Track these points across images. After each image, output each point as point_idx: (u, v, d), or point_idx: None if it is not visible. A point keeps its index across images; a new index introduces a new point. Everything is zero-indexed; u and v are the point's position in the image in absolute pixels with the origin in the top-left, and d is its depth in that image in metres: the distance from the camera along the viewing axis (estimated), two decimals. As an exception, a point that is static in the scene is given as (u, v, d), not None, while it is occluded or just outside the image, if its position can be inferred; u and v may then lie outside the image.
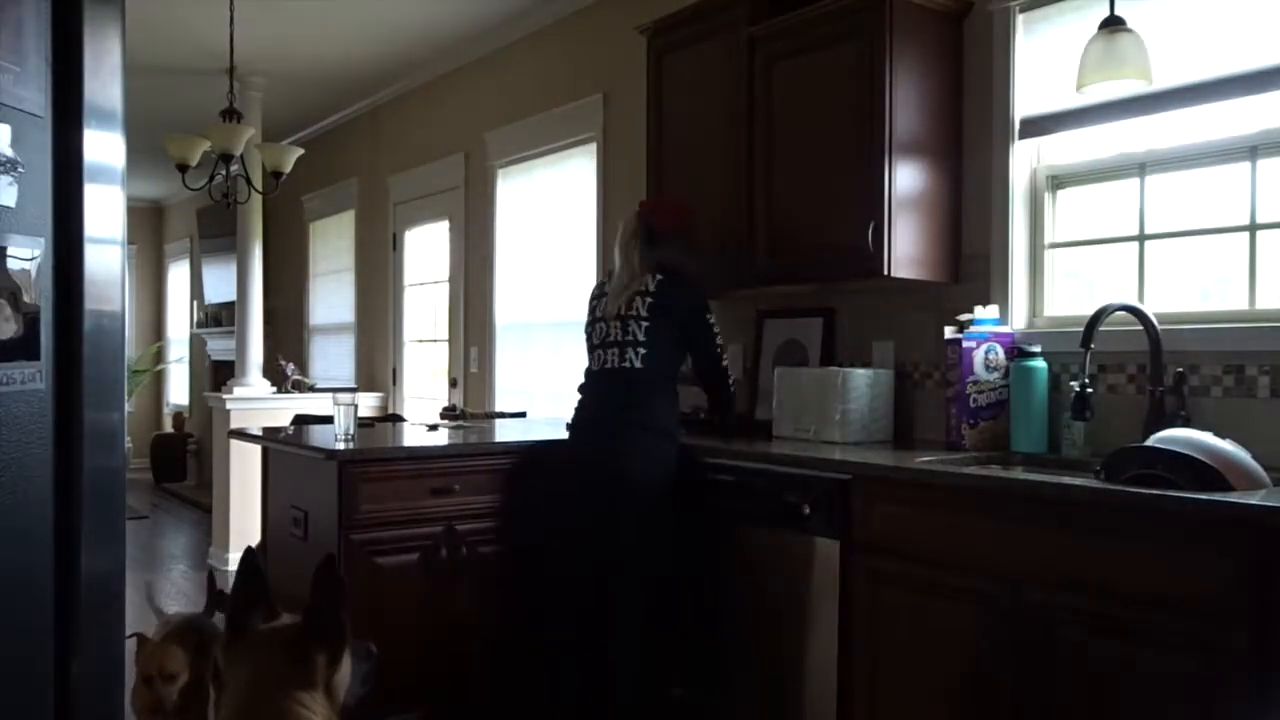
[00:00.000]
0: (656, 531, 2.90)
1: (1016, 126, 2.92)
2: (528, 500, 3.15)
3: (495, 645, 3.10)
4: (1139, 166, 2.71)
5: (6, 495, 1.26)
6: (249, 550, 1.95)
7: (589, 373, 3.11)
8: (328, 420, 3.66)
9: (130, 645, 2.39)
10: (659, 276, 3.02)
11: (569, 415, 3.14)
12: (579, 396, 3.13)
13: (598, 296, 3.16)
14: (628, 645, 2.89)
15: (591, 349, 3.10)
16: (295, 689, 1.65)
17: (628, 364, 2.96)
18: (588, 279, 4.61)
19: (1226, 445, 2.12)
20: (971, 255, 3.02)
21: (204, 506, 7.71)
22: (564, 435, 3.14)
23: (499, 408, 5.20)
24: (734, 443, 3.00)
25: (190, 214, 9.78)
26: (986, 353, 2.83)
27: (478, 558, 3.06)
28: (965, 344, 2.81)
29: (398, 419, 5.34)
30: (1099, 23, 2.50)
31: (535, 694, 3.14)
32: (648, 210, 3.18)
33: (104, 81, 1.38)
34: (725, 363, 3.12)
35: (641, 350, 2.96)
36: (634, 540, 2.88)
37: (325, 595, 1.70)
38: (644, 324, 2.98)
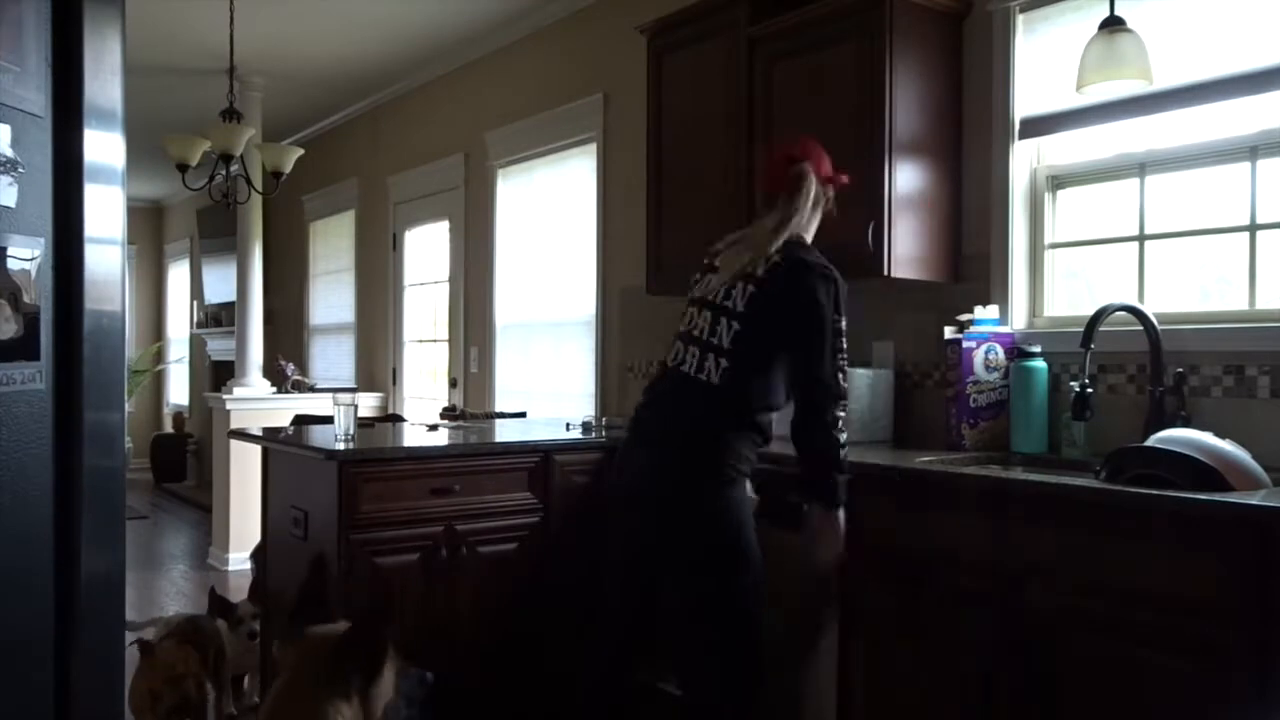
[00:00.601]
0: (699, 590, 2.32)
1: (1016, 126, 2.92)
2: (575, 512, 3.09)
3: (495, 645, 3.10)
4: (1139, 166, 2.71)
5: (6, 495, 1.26)
6: (319, 557, 2.06)
7: (662, 365, 2.49)
8: (328, 420, 3.66)
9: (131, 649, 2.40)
10: (774, 259, 2.33)
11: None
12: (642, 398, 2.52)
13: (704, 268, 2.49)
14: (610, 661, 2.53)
15: (677, 336, 2.46)
16: (331, 695, 1.69)
17: (706, 372, 2.33)
18: (588, 279, 4.62)
19: (1226, 445, 2.12)
20: (971, 255, 3.02)
21: (204, 506, 7.71)
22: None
23: (499, 408, 5.21)
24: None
25: (190, 214, 9.79)
26: (986, 353, 2.83)
27: (478, 558, 3.06)
28: (965, 344, 2.81)
29: (398, 419, 5.34)
30: (1099, 23, 2.50)
31: (534, 694, 3.14)
32: (815, 155, 2.45)
33: (104, 81, 1.38)
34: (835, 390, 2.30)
35: (724, 362, 2.30)
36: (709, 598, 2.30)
37: (367, 625, 1.80)
38: (733, 326, 2.32)
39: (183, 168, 4.59)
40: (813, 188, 2.41)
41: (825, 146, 2.53)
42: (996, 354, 2.84)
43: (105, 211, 1.39)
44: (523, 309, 5.20)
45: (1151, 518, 1.92)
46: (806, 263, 2.32)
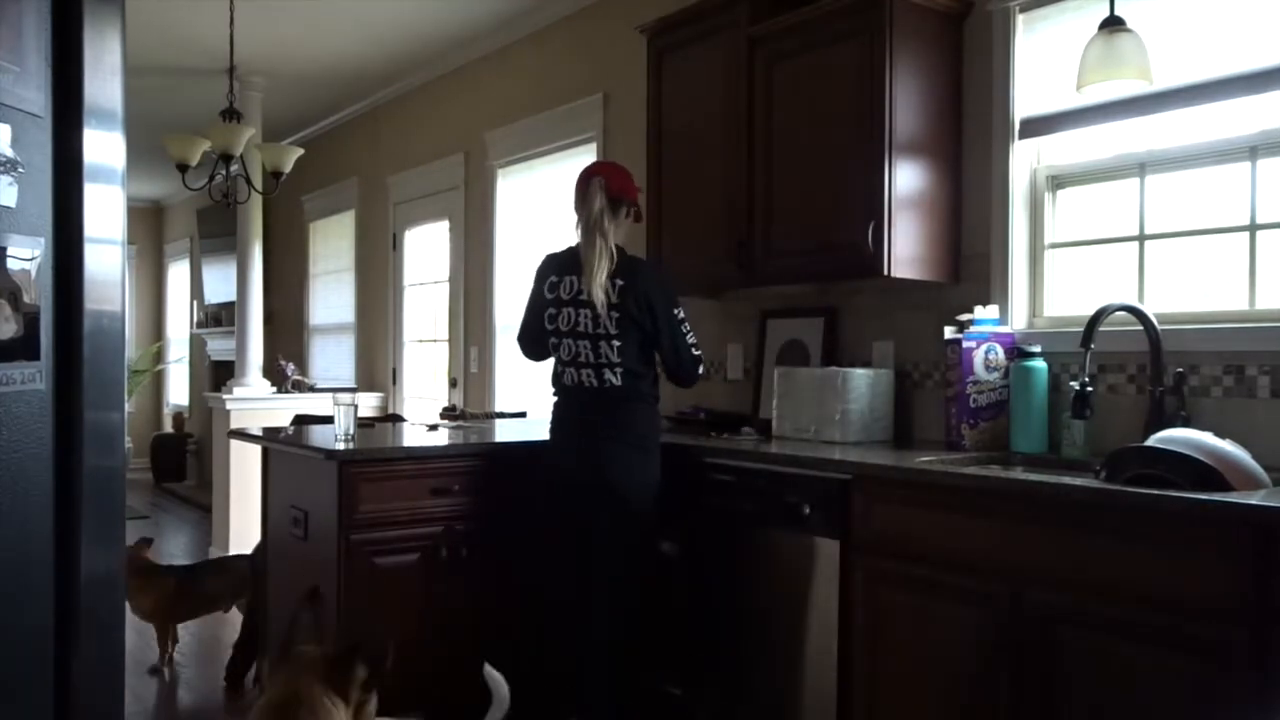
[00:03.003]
0: (635, 545, 2.86)
1: (1016, 126, 2.92)
2: (525, 499, 3.14)
3: (495, 645, 3.10)
4: (1139, 166, 2.71)
5: (6, 495, 1.26)
6: (314, 589, 2.07)
7: (564, 388, 2.95)
8: (328, 420, 3.66)
9: (131, 639, 2.43)
10: (619, 281, 2.83)
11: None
12: (556, 398, 3.01)
13: (556, 273, 2.93)
14: (601, 655, 2.87)
15: (561, 363, 2.94)
16: (329, 689, 1.71)
17: (607, 386, 2.84)
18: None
19: (1226, 445, 2.12)
20: (971, 255, 3.02)
21: (204, 506, 7.71)
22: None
23: (499, 408, 5.20)
24: (725, 438, 3.00)
25: (190, 214, 9.79)
26: (986, 353, 2.83)
27: (478, 558, 3.06)
28: (965, 344, 2.81)
29: (398, 419, 5.34)
30: (1099, 23, 2.50)
31: (534, 694, 3.14)
32: (608, 175, 2.92)
33: (104, 81, 1.38)
34: (691, 340, 2.93)
35: (619, 370, 2.84)
36: (614, 556, 2.85)
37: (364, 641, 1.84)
38: (615, 344, 2.83)
39: (183, 168, 4.59)
40: (599, 195, 2.85)
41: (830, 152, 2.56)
42: (996, 354, 2.84)
43: (105, 211, 1.39)
44: (523, 309, 5.18)
45: (1151, 518, 1.92)
46: (647, 262, 2.97)
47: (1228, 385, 2.45)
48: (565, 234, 4.81)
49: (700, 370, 3.00)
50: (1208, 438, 2.14)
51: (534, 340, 3.07)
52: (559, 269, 2.94)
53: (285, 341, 7.84)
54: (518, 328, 3.13)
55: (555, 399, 3.02)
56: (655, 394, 2.94)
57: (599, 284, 2.79)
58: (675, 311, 2.88)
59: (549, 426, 3.02)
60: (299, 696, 1.71)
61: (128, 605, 3.67)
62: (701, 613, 2.94)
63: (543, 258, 3.05)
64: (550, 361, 3.05)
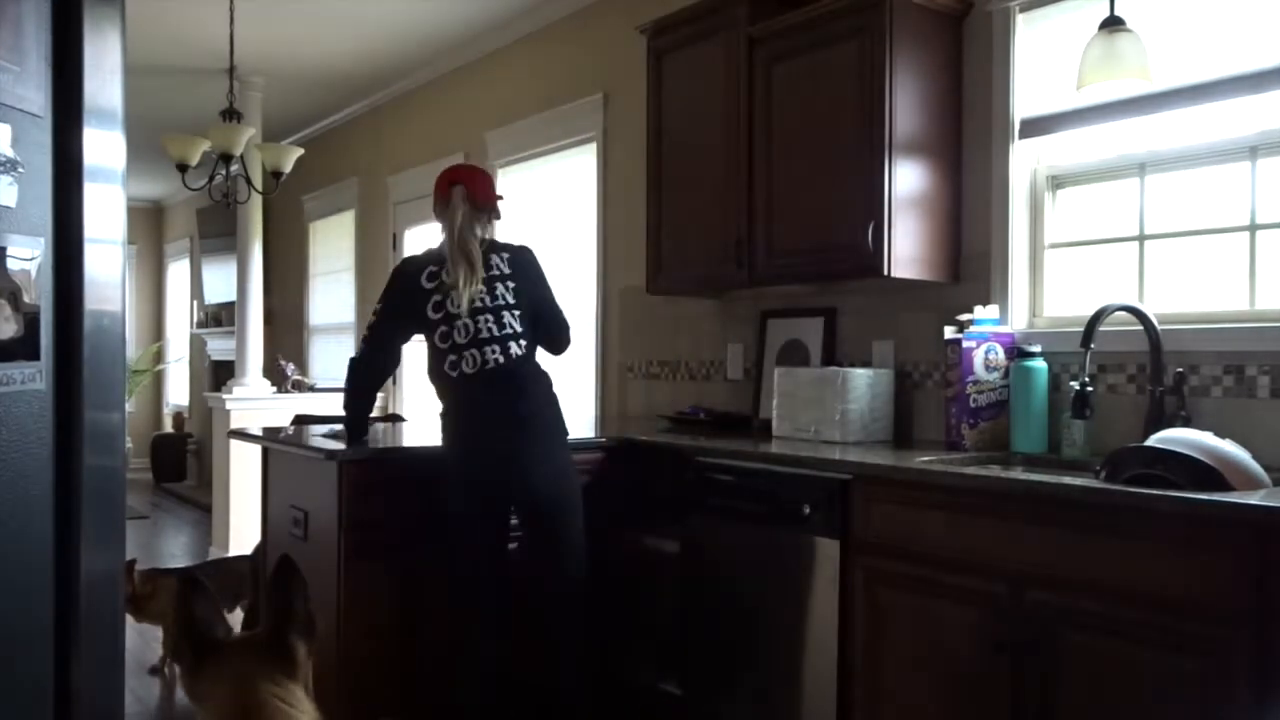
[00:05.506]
0: (576, 538, 2.88)
1: (1016, 126, 2.92)
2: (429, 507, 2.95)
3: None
4: (1139, 166, 2.71)
5: (6, 495, 1.26)
6: (187, 573, 1.93)
7: (463, 376, 2.79)
8: (328, 420, 3.66)
9: (131, 639, 2.42)
10: (505, 254, 2.89)
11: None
12: (452, 401, 2.85)
13: (433, 288, 2.83)
14: (570, 645, 2.89)
15: (458, 349, 2.80)
16: (283, 681, 1.61)
17: (514, 357, 2.81)
18: (588, 279, 4.61)
19: (1226, 445, 2.12)
20: (971, 255, 3.02)
21: (204, 506, 7.71)
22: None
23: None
24: (732, 441, 3.00)
25: (190, 214, 9.79)
26: (986, 353, 2.83)
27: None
28: (965, 344, 2.81)
29: (398, 419, 5.34)
30: (1099, 23, 2.50)
31: (532, 695, 3.14)
32: (466, 181, 2.92)
33: (104, 81, 1.38)
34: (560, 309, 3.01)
35: (523, 341, 2.84)
36: (564, 554, 2.85)
37: (294, 589, 1.68)
38: (516, 312, 2.84)
39: (183, 168, 4.60)
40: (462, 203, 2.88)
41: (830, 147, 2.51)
42: (996, 354, 2.84)
43: (105, 211, 1.39)
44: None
45: (1151, 518, 1.92)
46: (516, 247, 2.95)
47: (1228, 385, 2.45)
48: (565, 234, 4.84)
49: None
50: (1208, 438, 2.14)
51: (388, 344, 2.94)
52: (437, 260, 2.87)
53: (285, 341, 7.84)
54: (364, 332, 2.97)
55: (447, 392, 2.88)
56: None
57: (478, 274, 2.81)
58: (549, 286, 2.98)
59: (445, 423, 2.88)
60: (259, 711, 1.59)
61: (134, 615, 3.71)
62: (701, 613, 2.94)
63: (403, 263, 3.00)
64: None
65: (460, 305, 2.79)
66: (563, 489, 2.85)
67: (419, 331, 2.91)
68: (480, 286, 2.80)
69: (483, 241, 2.87)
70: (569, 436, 2.92)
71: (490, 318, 2.81)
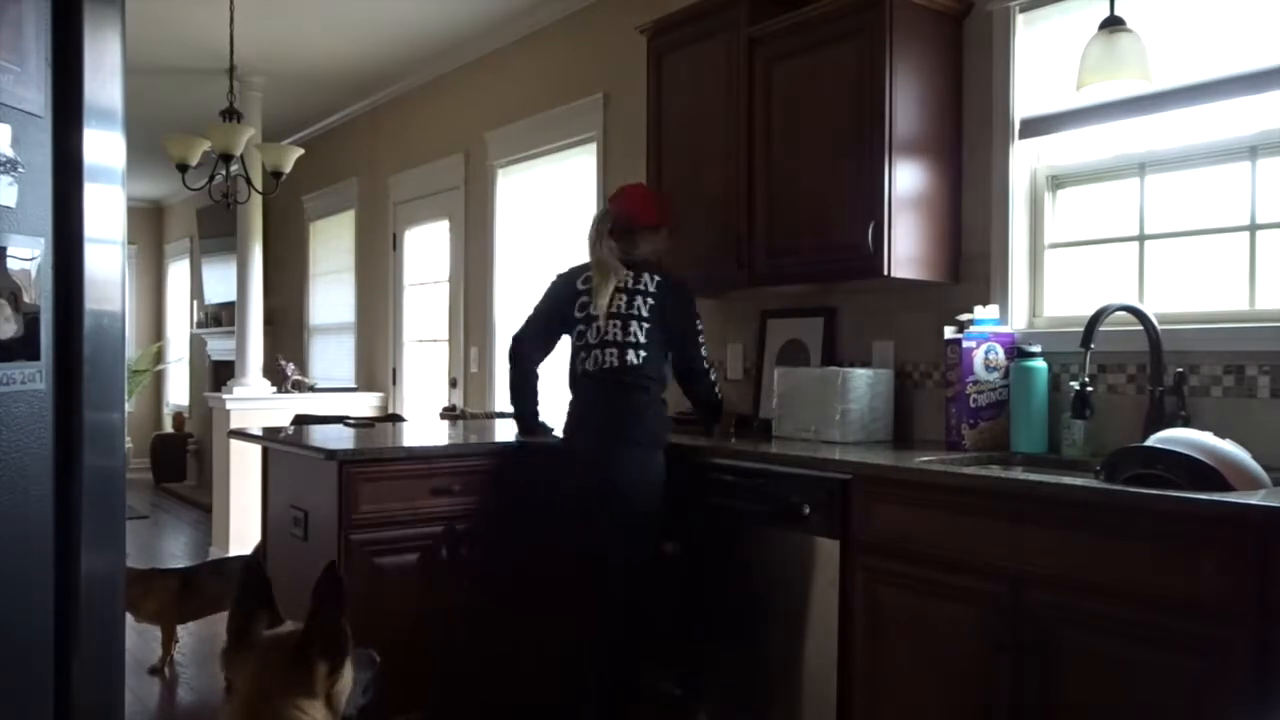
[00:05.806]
0: (641, 544, 2.93)
1: (1016, 126, 2.92)
2: (525, 499, 3.14)
3: (494, 645, 3.10)
4: (1139, 166, 2.71)
5: (6, 495, 1.26)
6: (251, 558, 1.94)
7: (584, 373, 3.03)
8: (328, 420, 3.67)
9: (131, 639, 2.42)
10: (656, 277, 3.04)
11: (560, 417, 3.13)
12: (572, 397, 3.10)
13: (584, 290, 3.08)
14: (609, 650, 2.95)
15: (588, 348, 3.03)
16: (296, 697, 1.62)
17: (629, 365, 2.95)
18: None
19: (1226, 445, 2.12)
20: (971, 255, 3.02)
21: (204, 506, 7.71)
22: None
23: (499, 408, 5.20)
24: (734, 442, 3.01)
25: (190, 214, 9.78)
26: (986, 353, 2.83)
27: (478, 558, 3.06)
28: (965, 344, 2.81)
29: (398, 419, 5.34)
30: (1099, 23, 2.50)
31: (533, 695, 3.14)
32: (615, 200, 3.19)
33: (104, 81, 1.38)
34: (709, 365, 3.15)
35: (643, 353, 2.96)
36: (620, 551, 2.91)
37: (327, 603, 1.66)
38: (644, 325, 2.98)
39: (183, 168, 4.59)
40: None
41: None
42: (996, 354, 2.84)
43: (105, 211, 1.39)
44: (523, 309, 5.18)
45: (1151, 518, 1.92)
46: (674, 277, 3.12)
47: (1228, 385, 2.45)
48: (565, 234, 4.83)
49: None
50: (1208, 438, 2.14)
51: (542, 332, 3.20)
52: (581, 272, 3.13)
53: (285, 341, 7.84)
54: (521, 324, 3.24)
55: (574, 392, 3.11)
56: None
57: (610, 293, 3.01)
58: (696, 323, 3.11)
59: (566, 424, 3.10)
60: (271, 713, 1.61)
61: (131, 613, 3.72)
62: (701, 612, 2.94)
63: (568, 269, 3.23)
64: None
65: (598, 308, 2.99)
66: (633, 496, 2.90)
67: (565, 330, 3.14)
68: (622, 297, 3.00)
69: (626, 256, 3.04)
70: (660, 449, 2.97)
71: (618, 323, 2.98)
